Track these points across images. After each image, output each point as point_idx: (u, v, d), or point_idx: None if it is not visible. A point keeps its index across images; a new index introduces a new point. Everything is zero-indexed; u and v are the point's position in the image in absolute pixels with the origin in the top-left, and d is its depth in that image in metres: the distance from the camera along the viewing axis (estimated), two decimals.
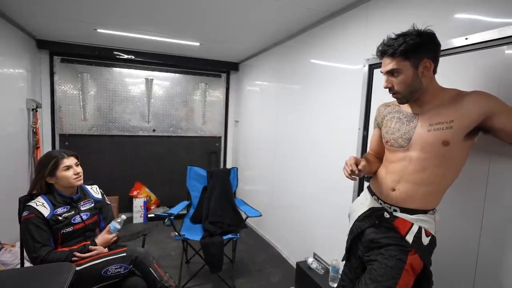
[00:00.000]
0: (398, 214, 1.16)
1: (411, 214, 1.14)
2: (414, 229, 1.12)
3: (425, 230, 1.12)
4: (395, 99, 1.20)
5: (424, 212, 1.14)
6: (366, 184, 1.86)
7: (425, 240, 1.12)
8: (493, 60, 1.17)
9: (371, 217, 1.24)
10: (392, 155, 1.23)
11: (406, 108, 1.22)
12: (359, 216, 1.29)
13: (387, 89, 1.16)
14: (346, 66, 2.06)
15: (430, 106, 1.12)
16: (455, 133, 1.05)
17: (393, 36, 1.11)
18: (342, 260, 1.38)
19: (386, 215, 1.19)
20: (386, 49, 1.10)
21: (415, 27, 1.08)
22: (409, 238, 1.11)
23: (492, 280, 1.18)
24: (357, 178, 1.31)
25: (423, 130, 1.11)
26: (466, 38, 1.23)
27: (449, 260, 1.32)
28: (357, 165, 1.18)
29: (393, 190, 1.18)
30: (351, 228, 1.33)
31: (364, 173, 1.23)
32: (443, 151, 1.07)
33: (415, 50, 1.05)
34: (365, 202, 1.31)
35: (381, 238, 1.17)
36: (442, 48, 1.24)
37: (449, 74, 1.30)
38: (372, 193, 1.30)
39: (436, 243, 1.16)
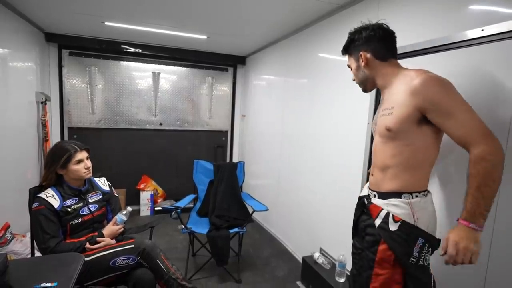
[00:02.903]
0: (374, 199, 1.18)
1: (384, 199, 1.14)
2: (382, 214, 1.11)
3: (393, 215, 1.08)
4: None
5: (397, 195, 1.10)
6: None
7: (393, 226, 1.06)
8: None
9: (358, 205, 1.29)
10: None
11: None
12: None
13: None
14: None
15: (387, 90, 1.17)
16: (396, 120, 1.05)
17: None
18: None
19: (366, 201, 1.22)
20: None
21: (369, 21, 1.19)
22: (377, 222, 1.11)
23: (503, 277, 1.16)
24: None
25: (379, 115, 1.17)
26: (482, 30, 1.19)
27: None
28: None
29: (372, 175, 1.23)
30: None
31: None
32: (391, 135, 1.09)
33: (350, 46, 1.22)
34: (363, 191, 1.36)
35: (367, 227, 1.19)
36: (455, 40, 1.24)
37: (463, 67, 1.26)
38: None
39: (419, 233, 1.04)
